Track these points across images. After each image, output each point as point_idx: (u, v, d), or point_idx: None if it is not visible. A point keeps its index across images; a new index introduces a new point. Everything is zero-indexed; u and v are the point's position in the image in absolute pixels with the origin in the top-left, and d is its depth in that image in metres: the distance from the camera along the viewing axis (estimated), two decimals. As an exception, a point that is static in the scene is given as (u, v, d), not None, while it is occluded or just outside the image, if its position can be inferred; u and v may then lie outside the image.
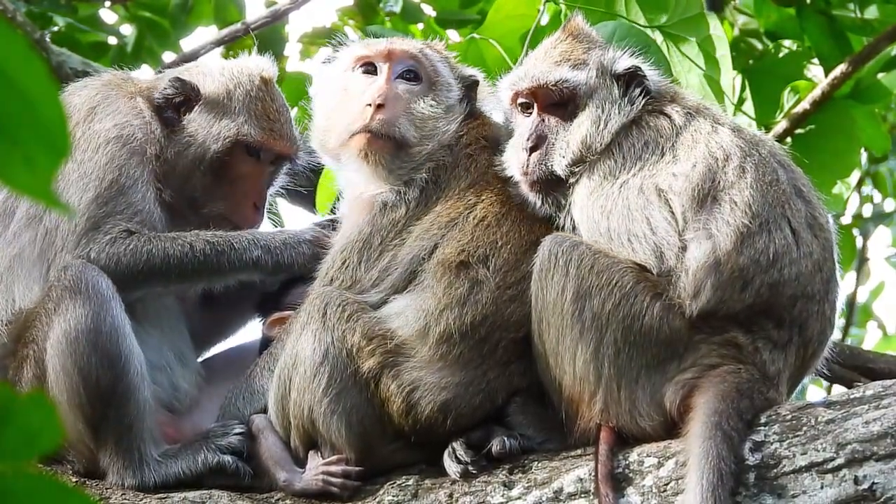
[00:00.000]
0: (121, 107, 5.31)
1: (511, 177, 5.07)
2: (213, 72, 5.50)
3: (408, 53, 5.20)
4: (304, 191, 6.33)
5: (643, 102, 5.05)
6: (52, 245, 5.07)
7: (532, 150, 5.04)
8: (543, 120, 5.10)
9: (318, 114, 5.34)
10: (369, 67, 5.23)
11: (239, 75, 5.48)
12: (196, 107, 5.38)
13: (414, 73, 5.20)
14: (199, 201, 5.35)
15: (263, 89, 5.47)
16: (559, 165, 5.00)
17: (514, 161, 5.07)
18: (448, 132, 5.15)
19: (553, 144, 5.04)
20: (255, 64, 5.54)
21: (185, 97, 5.39)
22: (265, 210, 5.50)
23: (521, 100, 5.16)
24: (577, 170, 4.99)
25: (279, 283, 5.40)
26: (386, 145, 5.09)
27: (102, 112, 5.27)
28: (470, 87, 5.30)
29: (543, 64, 5.15)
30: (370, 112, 5.09)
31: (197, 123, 5.36)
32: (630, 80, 5.08)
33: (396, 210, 5.04)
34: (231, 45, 8.44)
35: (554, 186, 5.02)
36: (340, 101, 5.24)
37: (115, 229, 5.08)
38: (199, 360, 5.50)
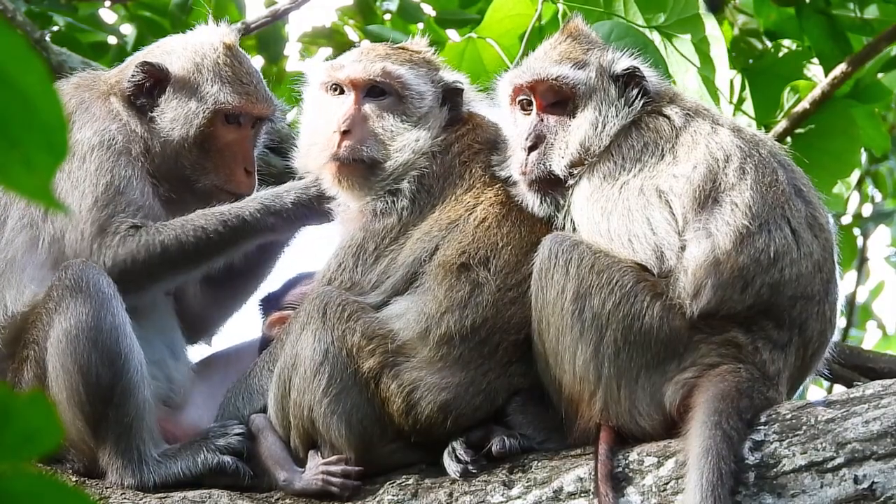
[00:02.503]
0: (97, 112, 5.31)
1: (510, 176, 5.07)
2: (176, 49, 5.49)
3: (369, 81, 5.19)
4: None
5: (642, 104, 5.04)
6: (63, 254, 5.07)
7: (531, 149, 5.04)
8: (543, 119, 5.09)
9: (301, 135, 5.37)
10: (339, 88, 5.25)
11: (202, 47, 5.47)
12: (168, 87, 5.38)
13: (380, 89, 5.21)
14: (192, 178, 5.36)
15: (229, 55, 5.47)
16: (558, 166, 5.00)
17: (513, 160, 5.07)
18: (422, 140, 5.13)
19: (552, 144, 5.04)
20: (215, 32, 5.55)
21: (156, 80, 5.39)
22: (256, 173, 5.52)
23: (520, 97, 5.16)
24: (575, 171, 4.98)
25: (292, 235, 5.42)
26: (356, 169, 5.11)
27: (80, 119, 5.27)
28: (453, 91, 5.28)
29: (544, 61, 5.15)
30: (337, 139, 5.12)
31: (174, 104, 5.36)
32: (629, 80, 5.07)
33: (388, 217, 5.04)
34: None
35: (553, 186, 5.01)
36: (315, 125, 5.27)
37: (122, 227, 5.09)
38: (199, 359, 5.51)
